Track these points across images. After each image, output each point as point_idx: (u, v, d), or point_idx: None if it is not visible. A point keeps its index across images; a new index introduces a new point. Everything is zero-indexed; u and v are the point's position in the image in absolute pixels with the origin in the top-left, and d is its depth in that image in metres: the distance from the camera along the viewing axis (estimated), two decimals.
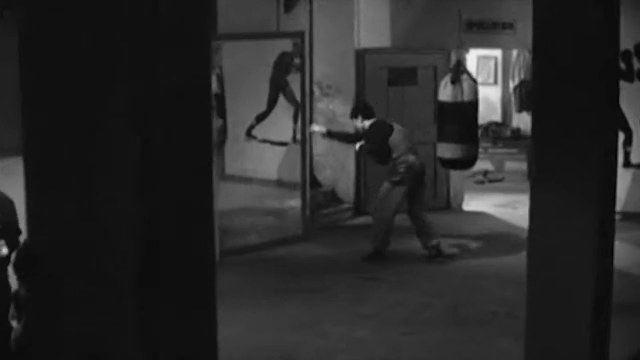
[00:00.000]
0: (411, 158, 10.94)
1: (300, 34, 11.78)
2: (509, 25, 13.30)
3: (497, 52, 16.96)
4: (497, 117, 17.41)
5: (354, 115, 11.39)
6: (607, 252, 6.07)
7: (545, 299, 6.07)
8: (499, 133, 16.97)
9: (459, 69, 11.25)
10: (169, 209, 3.38)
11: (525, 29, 13.30)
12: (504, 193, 14.86)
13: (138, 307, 3.31)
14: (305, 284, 10.07)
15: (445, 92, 11.24)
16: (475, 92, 11.23)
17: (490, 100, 17.55)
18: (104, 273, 3.36)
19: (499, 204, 14.42)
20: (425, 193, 11.17)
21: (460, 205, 14.06)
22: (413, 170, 10.94)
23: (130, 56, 3.20)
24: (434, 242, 10.96)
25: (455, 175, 13.92)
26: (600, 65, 5.88)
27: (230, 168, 12.73)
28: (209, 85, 3.80)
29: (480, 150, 17.14)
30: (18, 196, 7.82)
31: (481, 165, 16.89)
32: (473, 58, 17.75)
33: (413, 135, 11.37)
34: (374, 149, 11.22)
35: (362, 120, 11.19)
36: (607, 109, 5.97)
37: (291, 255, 11.32)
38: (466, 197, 14.51)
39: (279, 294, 9.72)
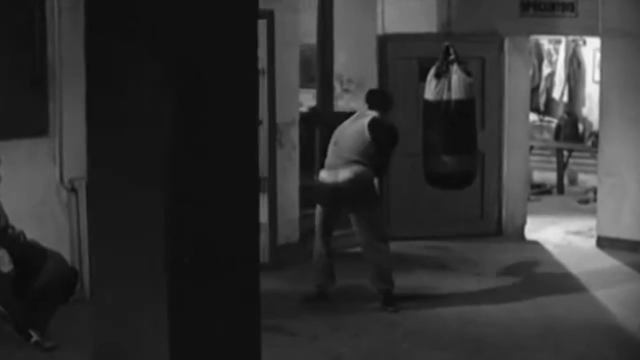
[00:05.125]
0: (323, 174, 8.37)
1: (269, 14, 9.40)
2: (570, 7, 10.43)
3: None
4: None
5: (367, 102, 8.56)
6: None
7: None
8: None
9: (448, 58, 8.62)
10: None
11: (587, 10, 10.48)
12: (593, 216, 11.93)
13: None
14: None
15: (430, 89, 8.66)
16: (468, 88, 8.60)
17: None
18: None
19: (574, 231, 11.59)
20: (364, 220, 8.35)
21: (520, 230, 11.26)
22: (320, 189, 8.42)
23: None
24: (383, 286, 8.34)
25: (512, 190, 11.18)
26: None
27: None
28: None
29: (589, 163, 14.36)
30: None
31: (594, 181, 13.97)
32: (589, 52, 14.79)
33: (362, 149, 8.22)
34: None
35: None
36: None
37: None
38: (540, 220, 11.77)
39: None
